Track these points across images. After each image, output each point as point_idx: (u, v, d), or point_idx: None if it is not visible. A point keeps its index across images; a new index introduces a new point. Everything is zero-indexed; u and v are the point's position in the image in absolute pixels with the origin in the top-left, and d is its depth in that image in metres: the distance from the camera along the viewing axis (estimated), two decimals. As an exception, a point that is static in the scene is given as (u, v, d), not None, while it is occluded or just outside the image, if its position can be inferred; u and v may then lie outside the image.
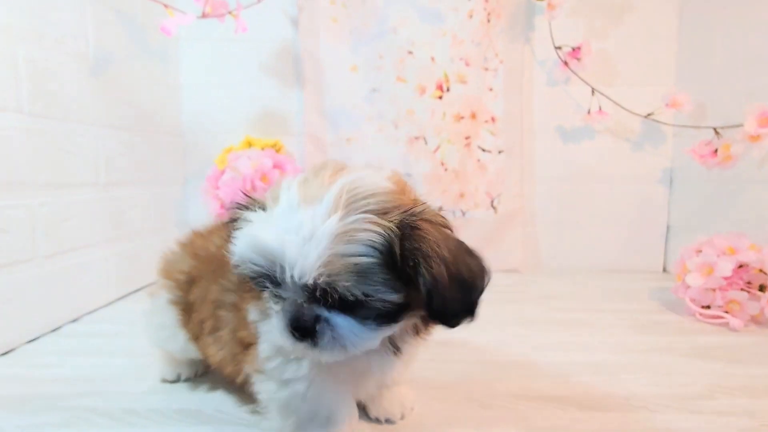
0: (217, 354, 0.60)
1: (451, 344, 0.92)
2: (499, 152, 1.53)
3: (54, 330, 0.99)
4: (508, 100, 1.51)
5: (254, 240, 0.42)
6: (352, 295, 0.41)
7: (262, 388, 0.53)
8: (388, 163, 1.51)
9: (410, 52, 1.46)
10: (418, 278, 0.42)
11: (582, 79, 1.42)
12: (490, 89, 1.51)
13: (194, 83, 1.52)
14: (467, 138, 1.51)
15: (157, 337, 0.72)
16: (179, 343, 0.68)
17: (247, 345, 0.55)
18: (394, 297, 0.43)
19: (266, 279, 0.43)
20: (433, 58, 1.46)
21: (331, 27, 1.47)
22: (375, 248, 0.41)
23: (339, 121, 1.51)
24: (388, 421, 0.64)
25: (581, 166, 1.53)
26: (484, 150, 1.53)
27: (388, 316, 0.44)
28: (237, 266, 0.44)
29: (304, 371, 0.51)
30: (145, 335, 0.74)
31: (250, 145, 1.43)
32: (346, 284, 0.40)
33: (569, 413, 0.67)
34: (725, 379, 0.77)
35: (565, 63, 1.42)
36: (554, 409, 0.69)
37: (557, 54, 1.42)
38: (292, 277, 0.41)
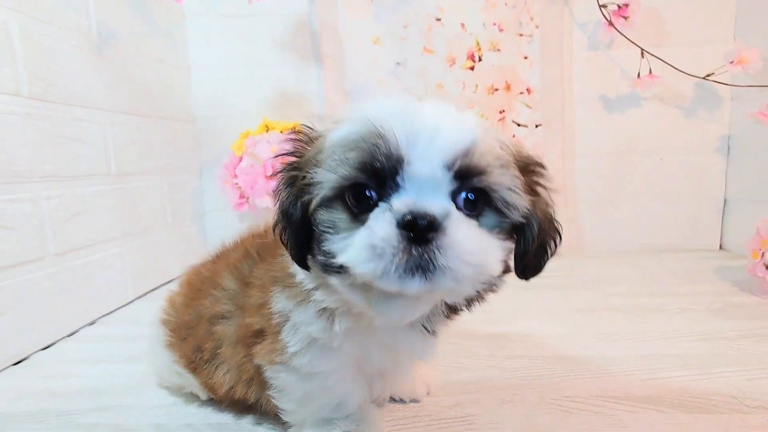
0: (224, 378, 0.54)
1: (508, 337, 0.82)
2: (537, 126, 1.41)
3: (70, 335, 0.90)
4: (546, 68, 1.39)
5: (401, 105, 0.34)
6: (495, 191, 0.37)
7: (281, 378, 0.48)
8: (416, 142, 1.40)
9: (438, 20, 1.33)
10: (535, 210, 0.41)
11: (630, 40, 1.28)
12: (525, 57, 1.39)
13: (204, 63, 1.41)
14: (501, 111, 1.39)
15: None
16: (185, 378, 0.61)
17: (256, 333, 0.48)
18: (525, 204, 0.39)
19: (380, 166, 0.35)
20: (463, 25, 1.34)
21: (349, -4, 1.35)
22: (508, 156, 0.39)
23: (361, 99, 1.40)
24: (413, 400, 0.62)
25: (627, 138, 1.40)
26: (519, 125, 1.41)
27: (504, 233, 0.40)
28: (351, 146, 0.35)
29: (334, 364, 0.47)
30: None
31: (267, 128, 1.32)
32: (499, 173, 0.36)
33: (672, 417, 0.57)
34: None
35: (611, 23, 1.29)
36: (652, 412, 0.58)
37: (602, 13, 1.29)
38: (429, 159, 0.34)
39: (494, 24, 1.34)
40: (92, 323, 0.96)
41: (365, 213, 0.35)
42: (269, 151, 1.23)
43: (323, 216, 0.37)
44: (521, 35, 1.37)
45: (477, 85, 1.36)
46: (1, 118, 0.77)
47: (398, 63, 1.37)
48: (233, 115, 1.42)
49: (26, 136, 0.82)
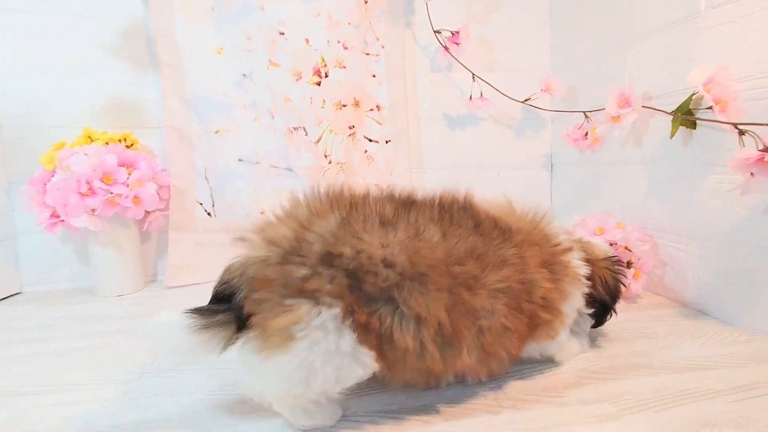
0: (467, 359, 0.57)
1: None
2: (387, 141, 1.46)
3: None
4: (393, 86, 1.44)
5: None
6: None
7: (553, 345, 0.73)
8: (266, 156, 1.37)
9: (282, 33, 1.32)
10: None
11: (462, 64, 1.39)
12: (373, 75, 1.43)
13: (14, 66, 1.24)
14: (351, 127, 1.41)
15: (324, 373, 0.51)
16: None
17: (555, 311, 0.67)
18: None
19: None
20: (307, 41, 1.34)
21: (188, 2, 1.29)
22: None
23: (206, 111, 1.33)
24: None
25: (468, 154, 1.51)
26: (370, 140, 1.45)
27: None
28: None
29: None
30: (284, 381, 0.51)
31: (90, 139, 1.20)
32: None
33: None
34: (590, 363, 0.75)
35: (446, 48, 1.38)
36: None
37: (437, 38, 1.38)
38: None
39: (338, 42, 1.36)
40: None
41: None
42: (87, 164, 1.11)
43: None
44: (368, 54, 1.41)
45: (324, 101, 1.37)
46: None
47: (244, 75, 1.33)
48: (50, 125, 1.26)
49: None
